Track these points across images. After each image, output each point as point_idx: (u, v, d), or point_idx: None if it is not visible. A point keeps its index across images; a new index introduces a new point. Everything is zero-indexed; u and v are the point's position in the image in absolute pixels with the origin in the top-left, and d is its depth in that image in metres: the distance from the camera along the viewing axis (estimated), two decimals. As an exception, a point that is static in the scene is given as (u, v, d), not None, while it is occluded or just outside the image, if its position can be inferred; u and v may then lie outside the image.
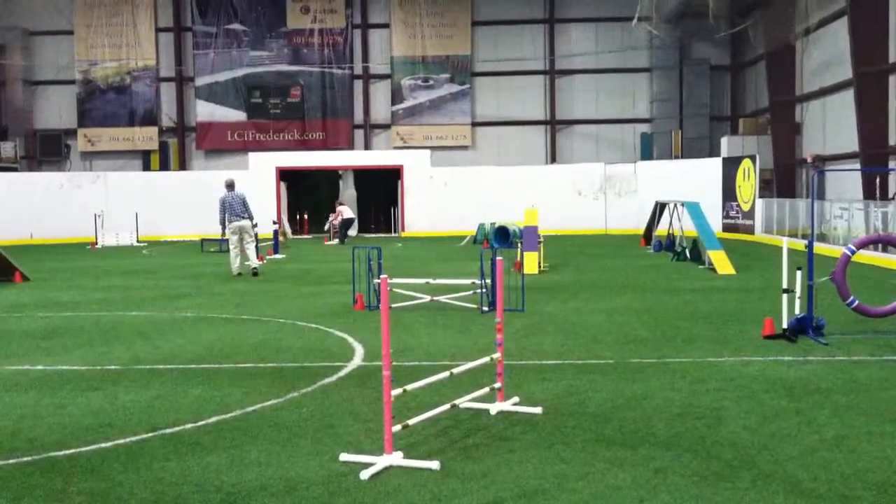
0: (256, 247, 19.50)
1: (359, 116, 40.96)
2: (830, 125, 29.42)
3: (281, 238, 27.98)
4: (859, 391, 7.71)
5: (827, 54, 29.25)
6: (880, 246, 19.12)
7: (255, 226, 19.14)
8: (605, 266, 20.62)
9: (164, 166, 40.62)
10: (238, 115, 40.87)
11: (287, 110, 40.83)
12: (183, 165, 40.72)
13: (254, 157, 36.73)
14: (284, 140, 40.59)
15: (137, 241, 32.66)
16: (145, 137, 40.91)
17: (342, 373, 8.75)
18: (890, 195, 23.69)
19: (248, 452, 6.14)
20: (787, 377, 8.30)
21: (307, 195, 38.77)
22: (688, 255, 21.43)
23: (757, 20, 34.32)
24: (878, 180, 24.17)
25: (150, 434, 6.67)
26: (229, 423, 6.95)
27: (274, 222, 28.67)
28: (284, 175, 36.36)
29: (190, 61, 40.98)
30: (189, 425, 6.89)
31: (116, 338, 11.16)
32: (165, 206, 35.01)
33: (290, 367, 9.07)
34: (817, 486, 5.30)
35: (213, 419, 7.06)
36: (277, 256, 24.81)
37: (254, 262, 18.95)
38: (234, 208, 18.59)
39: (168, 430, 6.76)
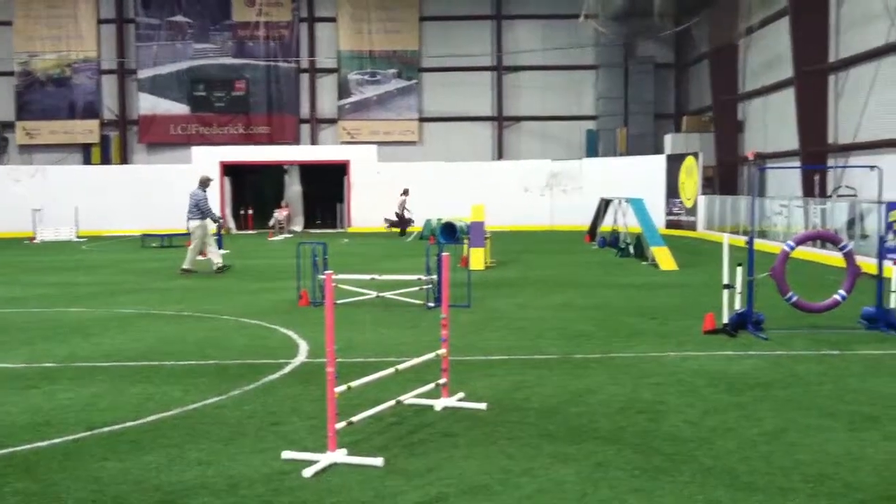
0: (215, 245, 19.01)
1: (305, 111, 40.63)
2: (771, 123, 29.95)
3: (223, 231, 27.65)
4: (798, 385, 7.86)
5: (769, 54, 29.76)
6: (819, 242, 19.52)
7: (217, 220, 18.91)
8: (550, 262, 20.75)
9: (106, 160, 39.86)
10: (181, 109, 40.27)
11: (232, 104, 40.35)
12: (124, 159, 40.01)
13: (197, 152, 36.23)
14: (229, 134, 40.11)
15: (77, 237, 32.04)
16: (86, 130, 40.11)
17: (286, 370, 8.68)
18: (828, 192, 24.20)
19: (189, 451, 6.04)
20: (727, 372, 8.43)
21: (252, 190, 38.39)
22: (632, 251, 21.67)
23: (701, 19, 34.78)
24: (816, 178, 24.68)
25: (88, 433, 6.53)
26: (170, 421, 6.85)
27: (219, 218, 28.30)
28: (228, 170, 35.94)
29: (132, 53, 40.26)
30: (129, 424, 6.76)
31: (56, 335, 10.93)
32: (106, 200, 34.41)
33: (233, 365, 8.96)
34: (756, 478, 5.39)
35: (154, 417, 6.94)
36: (222, 252, 24.45)
37: (187, 262, 18.49)
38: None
39: (107, 429, 6.63)
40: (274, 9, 40.04)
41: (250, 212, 36.25)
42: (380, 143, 38.35)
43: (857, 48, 23.37)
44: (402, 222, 32.11)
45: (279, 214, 34.28)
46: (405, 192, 32.43)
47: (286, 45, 40.19)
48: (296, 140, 40.23)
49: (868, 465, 5.60)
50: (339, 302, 12.92)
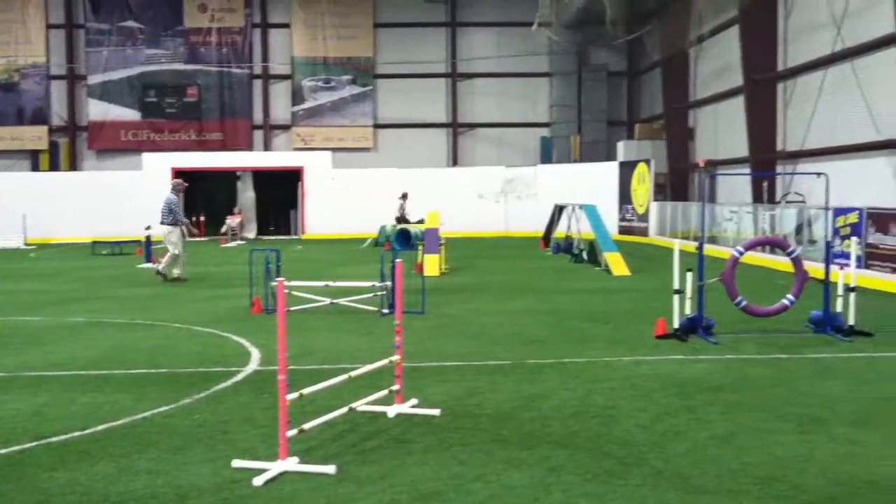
0: (175, 252, 18.33)
1: (258, 117, 40.34)
2: (722, 131, 30.37)
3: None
4: (747, 389, 7.97)
5: (719, 62, 30.19)
6: (768, 247, 19.82)
7: (184, 224, 18.34)
8: (505, 268, 20.83)
9: (55, 166, 39.19)
10: (132, 115, 39.74)
11: (183, 110, 39.92)
12: (74, 166, 39.37)
13: (148, 158, 35.86)
14: (180, 140, 39.67)
15: (25, 244, 31.46)
16: (34, 137, 39.40)
17: (238, 378, 8.59)
18: (777, 199, 24.59)
19: (138, 461, 5.96)
20: (678, 376, 8.52)
21: (204, 197, 38.00)
22: (585, 256, 21.83)
23: (653, 28, 35.19)
24: (765, 184, 25.07)
25: (35, 443, 6.41)
26: (119, 430, 6.74)
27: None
28: (180, 176, 35.41)
29: (82, 59, 39.68)
30: (77, 433, 6.65)
31: (5, 344, 10.71)
32: (55, 207, 33.86)
33: (183, 373, 8.86)
34: (706, 481, 5.44)
35: (103, 427, 6.83)
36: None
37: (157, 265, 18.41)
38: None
39: (55, 439, 6.51)
40: (227, 14, 39.73)
41: (202, 218, 35.86)
42: (334, 150, 38.23)
43: (804, 57, 23.80)
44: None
45: (232, 221, 33.98)
46: (404, 196, 30.93)
47: (239, 51, 39.89)
48: (249, 146, 39.94)
49: (815, 467, 5.69)
50: (291, 309, 12.82)
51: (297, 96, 40.21)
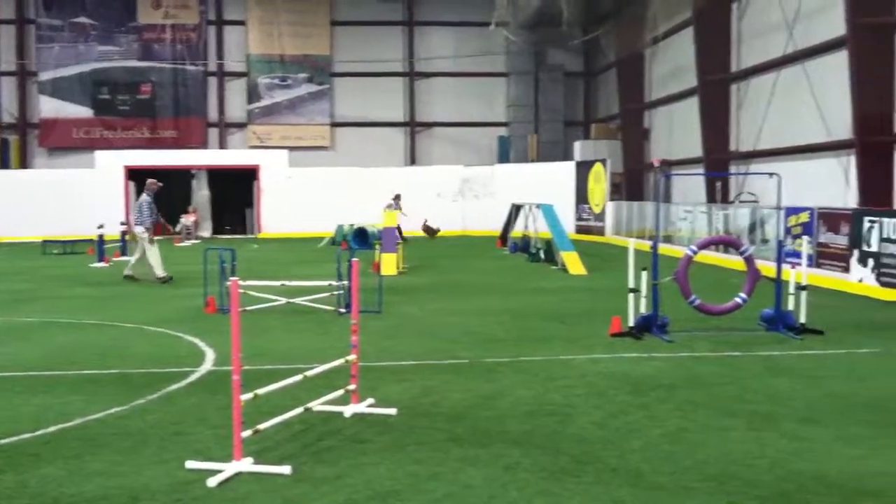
0: (147, 255, 17.69)
1: (213, 115, 39.97)
2: (676, 131, 30.71)
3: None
4: (700, 386, 8.07)
5: (673, 63, 30.52)
6: (721, 247, 20.08)
7: (148, 229, 17.57)
8: (462, 267, 20.86)
9: (5, 165, 38.44)
10: (85, 112, 39.13)
11: (137, 107, 39.41)
12: (25, 164, 38.69)
13: (101, 156, 35.39)
14: (134, 138, 39.16)
15: (-26, 243, 30.84)
16: (-17, 134, 38.69)
17: (192, 378, 8.51)
18: (731, 199, 24.92)
19: (90, 463, 5.87)
20: (632, 373, 8.60)
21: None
22: (542, 256, 21.94)
23: (608, 29, 35.48)
24: (718, 185, 25.40)
25: (-18, 446, 6.29)
26: (70, 432, 6.64)
27: (122, 223, 27.62)
28: (133, 174, 35.09)
29: (33, 55, 38.98)
30: (27, 435, 6.54)
31: (-52, 345, 10.49)
32: (5, 206, 33.26)
33: (136, 374, 8.75)
34: (659, 478, 5.50)
35: (54, 428, 6.72)
36: (125, 258, 23.85)
37: (157, 270, 17.60)
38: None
39: (4, 441, 6.40)
40: (181, 11, 39.30)
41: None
42: (291, 148, 38.00)
43: (757, 59, 24.15)
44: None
45: (186, 220, 33.62)
46: (397, 198, 29.46)
47: (193, 48, 39.47)
48: (204, 144, 39.55)
49: (765, 463, 5.78)
50: (247, 308, 12.72)
51: (252, 94, 39.91)
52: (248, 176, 35.86)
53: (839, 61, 19.24)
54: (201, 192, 36.48)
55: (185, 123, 39.57)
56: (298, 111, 40.06)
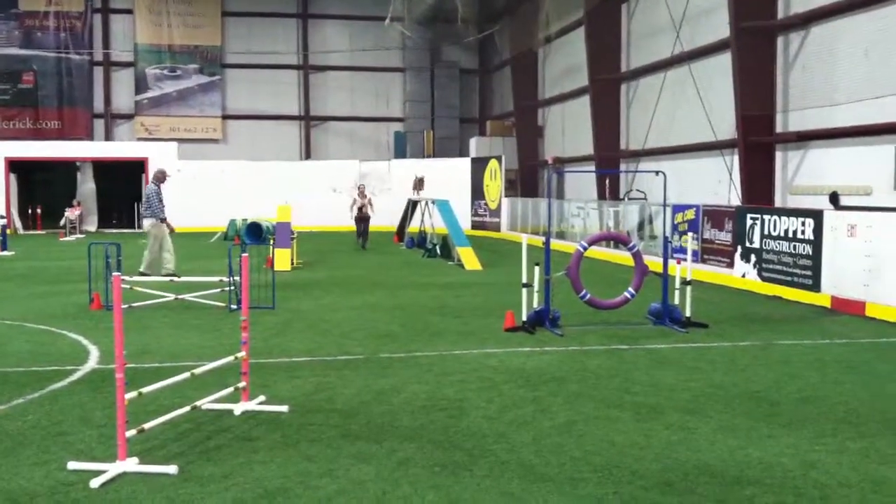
0: (162, 250, 16.24)
1: (99, 105, 38.73)
2: (569, 129, 31.26)
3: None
4: (589, 379, 8.22)
5: (566, 62, 31.06)
6: (612, 242, 20.54)
7: (162, 220, 16.22)
8: (358, 263, 20.76)
9: None
10: (-38, 100, 37.43)
11: (18, 97, 37.87)
12: None
13: (-20, 147, 33.87)
14: (15, 129, 37.64)
15: None
16: None
17: (75, 377, 8.21)
18: (621, 196, 25.51)
19: (-38, 467, 5.60)
20: (525, 367, 8.70)
21: (41, 188, 36.17)
22: (438, 251, 22.03)
23: (502, 27, 35.84)
24: (607, 182, 25.98)
25: None
26: (-59, 435, 6.32)
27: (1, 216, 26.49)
28: (15, 166, 33.70)
29: None
30: None
31: None
32: None
33: (15, 372, 8.39)
34: (549, 469, 5.58)
35: (-78, 432, 6.39)
36: (5, 253, 22.94)
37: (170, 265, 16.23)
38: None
39: None
40: (66, -3, 37.96)
41: (39, 211, 34.15)
42: (180, 141, 37.13)
43: (646, 59, 24.78)
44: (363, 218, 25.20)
45: (71, 214, 32.45)
46: (360, 188, 26.08)
47: (78, 37, 38.14)
48: (89, 136, 38.28)
49: (651, 453, 5.93)
50: (134, 305, 12.40)
51: (140, 84, 38.83)
52: (136, 168, 34.83)
53: (723, 63, 19.90)
54: (86, 186, 35.30)
55: (69, 114, 38.24)
56: (189, 103, 39.18)
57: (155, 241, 16.15)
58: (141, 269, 15.96)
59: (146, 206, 16.42)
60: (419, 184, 27.02)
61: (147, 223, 16.36)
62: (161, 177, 17.02)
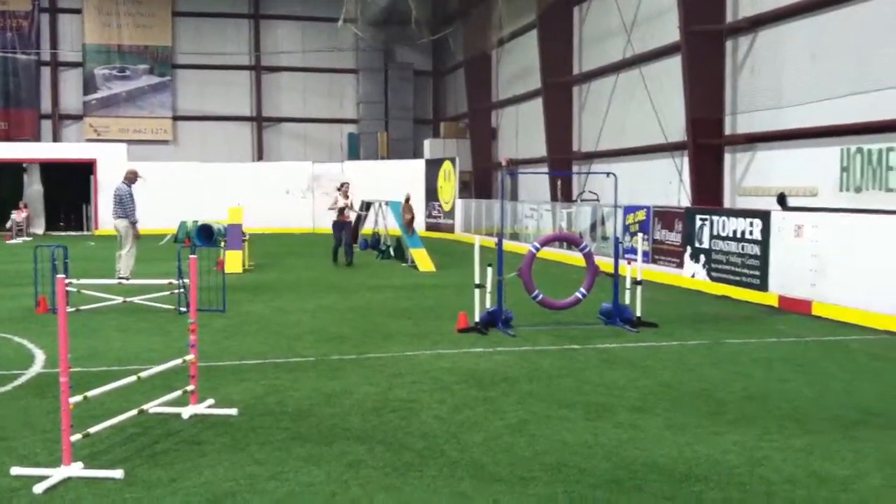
0: (131, 251, 16.04)
1: (46, 106, 38.05)
2: (523, 131, 31.39)
3: None
4: (541, 379, 8.26)
5: (519, 65, 31.18)
6: (564, 243, 20.67)
7: (133, 222, 16.02)
8: (311, 265, 20.63)
9: None
10: None
11: (-37, 97, 37.09)
12: None
13: (-78, 147, 33.09)
14: (-40, 129, 36.86)
15: None
16: None
17: (19, 381, 8.05)
18: (574, 197, 25.67)
19: None
20: (477, 368, 8.72)
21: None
22: (392, 253, 21.98)
23: (456, 29, 35.88)
24: (559, 183, 26.12)
25: None
26: None
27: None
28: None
29: None
30: None
31: None
32: None
33: (-43, 378, 8.20)
34: (499, 469, 5.59)
35: None
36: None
37: (122, 269, 15.97)
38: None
39: None
40: (11, -4, 37.25)
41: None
42: (130, 142, 36.56)
43: (598, 62, 24.96)
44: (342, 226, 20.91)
45: (17, 216, 31.84)
46: (343, 187, 21.43)
47: (25, 37, 37.42)
48: (36, 137, 37.57)
49: (601, 452, 5.97)
50: (81, 308, 12.19)
51: (89, 85, 38.23)
52: (84, 170, 34.26)
53: (674, 66, 20.12)
54: (33, 187, 34.64)
55: (16, 115, 37.51)
56: (138, 103, 38.65)
57: (130, 242, 15.96)
58: (123, 274, 15.70)
59: (118, 207, 16.14)
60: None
61: (120, 224, 16.08)
62: (132, 177, 16.73)
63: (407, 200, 21.98)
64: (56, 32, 38.03)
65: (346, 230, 20.66)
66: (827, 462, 5.79)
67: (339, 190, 21.27)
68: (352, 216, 21.86)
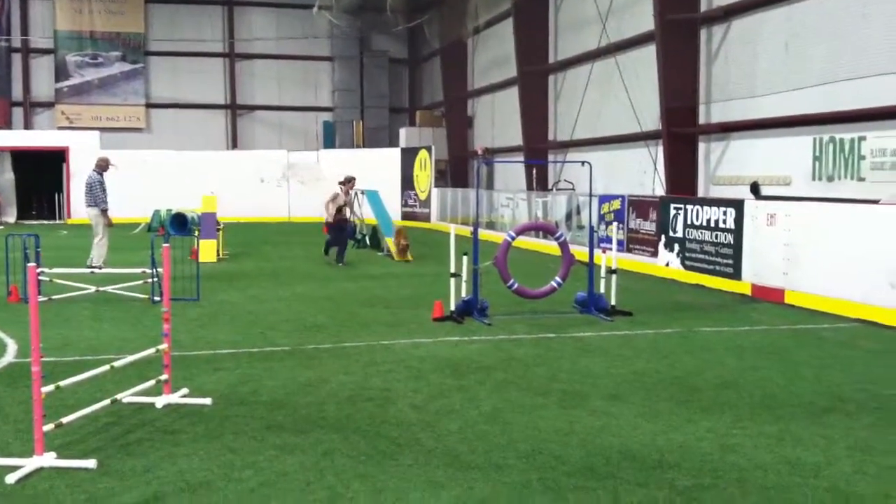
0: (103, 241, 16.19)
1: (17, 93, 37.59)
2: (499, 120, 31.40)
3: None
4: (516, 367, 8.29)
5: (495, 53, 31.16)
6: (540, 232, 20.71)
7: (104, 210, 16.12)
8: (286, 254, 20.57)
9: None
10: None
11: (-69, 83, 36.56)
12: None
13: None
14: (-71, 117, 36.35)
15: None
16: None
17: (-10, 372, 7.98)
18: (549, 186, 25.73)
19: None
20: (452, 356, 8.73)
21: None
22: (368, 242, 21.94)
23: (431, 17, 35.79)
24: (534, 172, 26.18)
25: None
26: None
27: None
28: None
29: None
30: None
31: None
32: None
33: (-74, 368, 8.11)
34: (475, 457, 5.61)
35: None
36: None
37: (95, 258, 15.97)
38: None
39: None
40: (-19, -19, 36.72)
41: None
42: (103, 129, 36.21)
43: (573, 51, 24.99)
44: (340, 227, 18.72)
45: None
46: (347, 182, 19.64)
47: (-5, 22, 36.94)
48: (7, 124, 37.12)
49: (575, 439, 6.01)
50: (54, 297, 12.09)
51: (61, 72, 37.79)
52: (56, 158, 33.90)
53: (648, 55, 20.19)
54: (5, 176, 34.25)
55: (-14, 102, 37.03)
56: (111, 91, 38.27)
57: (103, 231, 15.95)
58: (96, 263, 15.57)
59: (89, 196, 16.03)
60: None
61: (92, 212, 15.97)
62: (104, 165, 16.63)
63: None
64: (27, 18, 37.55)
65: (346, 231, 19.06)
66: (798, 448, 5.86)
67: (342, 184, 19.21)
68: (356, 209, 20.99)
